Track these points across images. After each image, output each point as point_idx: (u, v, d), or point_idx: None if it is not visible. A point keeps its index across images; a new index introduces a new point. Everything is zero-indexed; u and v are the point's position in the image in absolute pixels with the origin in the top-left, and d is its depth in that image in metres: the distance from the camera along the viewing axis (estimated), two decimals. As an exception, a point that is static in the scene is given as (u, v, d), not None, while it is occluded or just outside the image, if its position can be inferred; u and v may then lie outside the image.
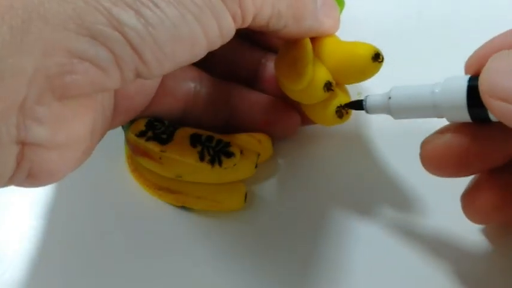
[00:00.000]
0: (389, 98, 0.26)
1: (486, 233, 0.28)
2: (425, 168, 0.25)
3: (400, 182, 0.30)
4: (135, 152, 0.30)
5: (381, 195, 0.30)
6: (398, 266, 0.27)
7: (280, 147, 0.31)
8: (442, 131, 0.25)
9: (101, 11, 0.20)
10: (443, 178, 0.26)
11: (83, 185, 0.31)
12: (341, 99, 0.28)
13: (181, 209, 0.30)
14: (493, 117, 0.23)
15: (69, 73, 0.20)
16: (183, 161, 0.29)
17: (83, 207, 0.31)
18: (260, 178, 0.31)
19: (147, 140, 0.29)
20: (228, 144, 0.29)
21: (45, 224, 0.30)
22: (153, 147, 0.29)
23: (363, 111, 0.27)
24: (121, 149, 0.32)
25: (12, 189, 0.22)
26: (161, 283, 0.28)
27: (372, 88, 0.27)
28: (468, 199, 0.26)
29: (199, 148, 0.29)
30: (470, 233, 0.28)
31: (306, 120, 0.30)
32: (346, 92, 0.29)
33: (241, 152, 0.29)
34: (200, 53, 0.22)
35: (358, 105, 0.27)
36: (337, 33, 0.29)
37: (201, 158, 0.29)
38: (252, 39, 0.32)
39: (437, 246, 0.28)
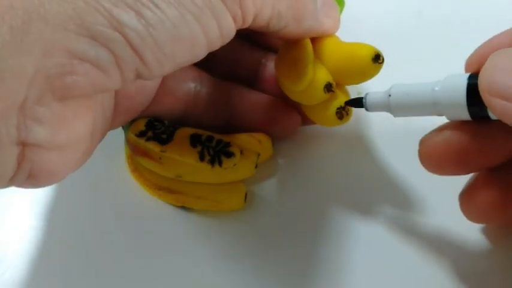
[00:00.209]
0: (390, 95, 0.26)
1: (486, 232, 0.28)
2: (423, 165, 0.25)
3: (400, 182, 0.30)
4: (135, 152, 0.30)
5: (381, 195, 0.30)
6: (398, 266, 0.27)
7: (280, 147, 0.31)
8: (441, 129, 0.25)
9: (101, 12, 0.20)
10: (443, 178, 0.26)
11: (83, 185, 0.31)
12: (341, 100, 0.28)
13: (181, 209, 0.30)
14: (492, 116, 0.23)
15: (69, 74, 0.20)
16: (183, 161, 0.29)
17: (83, 207, 0.31)
18: (260, 178, 0.31)
19: (147, 140, 0.29)
20: (228, 144, 0.29)
21: (45, 224, 0.30)
22: (153, 147, 0.29)
23: (363, 111, 0.27)
24: (121, 149, 0.32)
25: (12, 189, 0.22)
26: (161, 283, 0.28)
27: (371, 88, 0.27)
28: (466, 197, 0.26)
29: (199, 148, 0.29)
30: (470, 232, 0.28)
31: (306, 120, 0.30)
32: (346, 93, 0.29)
33: (241, 152, 0.29)
34: (200, 53, 0.22)
35: (358, 102, 0.27)
36: (337, 33, 0.29)
37: (201, 158, 0.29)
38: (252, 40, 0.32)
39: (438, 246, 0.28)
